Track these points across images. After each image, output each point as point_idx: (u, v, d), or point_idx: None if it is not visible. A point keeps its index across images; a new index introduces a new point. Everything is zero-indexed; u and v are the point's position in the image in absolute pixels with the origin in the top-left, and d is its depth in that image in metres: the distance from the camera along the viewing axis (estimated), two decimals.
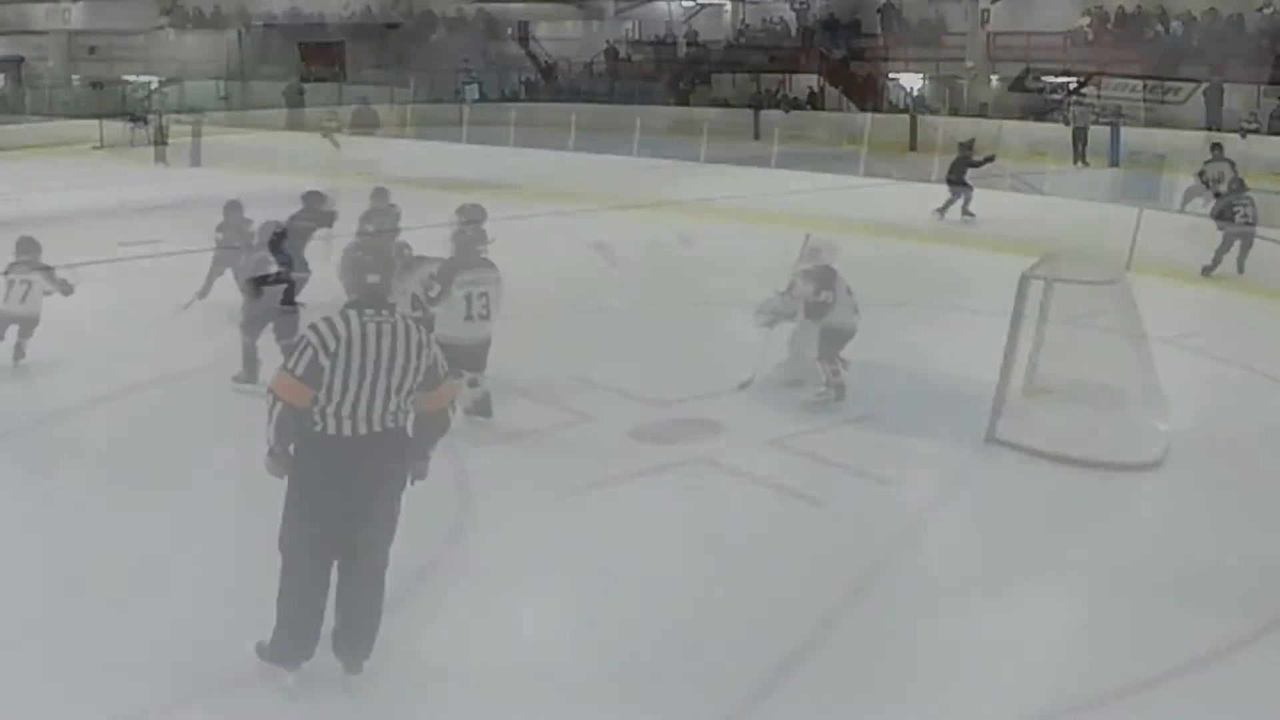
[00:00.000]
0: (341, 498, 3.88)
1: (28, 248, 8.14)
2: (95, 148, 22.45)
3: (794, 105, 27.64)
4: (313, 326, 3.88)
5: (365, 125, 22.40)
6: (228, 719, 3.92)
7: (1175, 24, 26.03)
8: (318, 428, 3.84)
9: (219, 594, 4.67)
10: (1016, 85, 26.56)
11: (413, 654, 4.31)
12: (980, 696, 4.50)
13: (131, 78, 27.34)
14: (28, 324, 7.94)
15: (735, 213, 15.34)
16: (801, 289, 7.78)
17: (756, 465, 6.88)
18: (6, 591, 4.64)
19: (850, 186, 17.47)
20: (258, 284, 7.76)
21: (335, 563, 3.98)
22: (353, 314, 3.88)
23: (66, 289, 8.09)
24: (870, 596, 5.12)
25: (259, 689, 4.00)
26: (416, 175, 16.02)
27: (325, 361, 3.78)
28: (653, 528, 6.15)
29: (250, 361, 7.56)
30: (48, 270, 8.07)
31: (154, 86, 25.77)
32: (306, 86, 23.55)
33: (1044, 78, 26.81)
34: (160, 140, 22.27)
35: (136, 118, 22.92)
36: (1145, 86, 24.44)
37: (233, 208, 9.92)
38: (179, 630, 4.37)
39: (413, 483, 4.05)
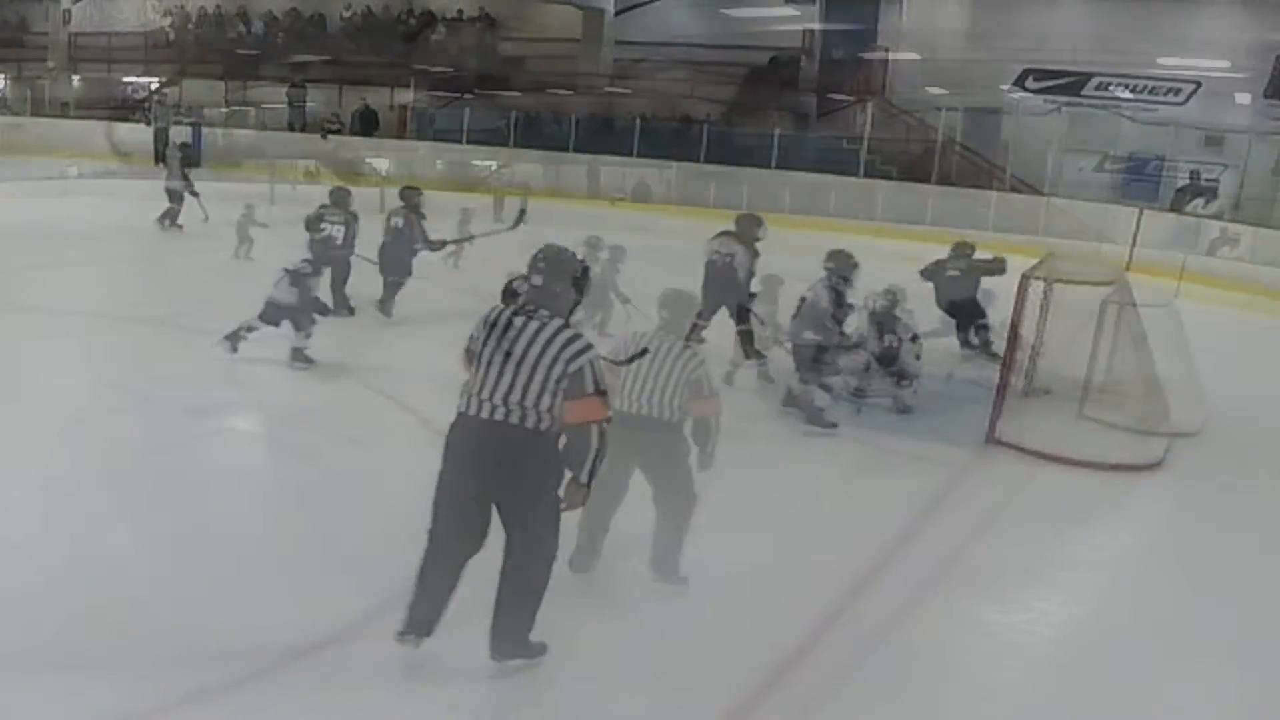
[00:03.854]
0: (468, 479, 4.00)
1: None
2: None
3: None
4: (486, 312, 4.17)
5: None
6: (228, 718, 3.92)
7: (257, 24, 26.51)
8: (459, 405, 4.08)
9: (223, 592, 4.67)
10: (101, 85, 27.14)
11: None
12: (980, 697, 4.50)
13: (132, 78, 27.43)
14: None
15: None
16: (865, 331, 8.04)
17: (756, 465, 6.89)
18: (4, 589, 4.63)
19: None
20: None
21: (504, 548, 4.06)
22: (510, 308, 4.12)
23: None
24: (870, 596, 5.12)
25: (260, 689, 4.00)
26: None
27: (476, 343, 4.09)
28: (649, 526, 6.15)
29: None
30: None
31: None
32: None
33: (125, 79, 27.59)
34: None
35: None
36: (227, 87, 25.14)
37: (340, 194, 9.44)
38: (179, 629, 4.37)
39: (565, 506, 4.07)
